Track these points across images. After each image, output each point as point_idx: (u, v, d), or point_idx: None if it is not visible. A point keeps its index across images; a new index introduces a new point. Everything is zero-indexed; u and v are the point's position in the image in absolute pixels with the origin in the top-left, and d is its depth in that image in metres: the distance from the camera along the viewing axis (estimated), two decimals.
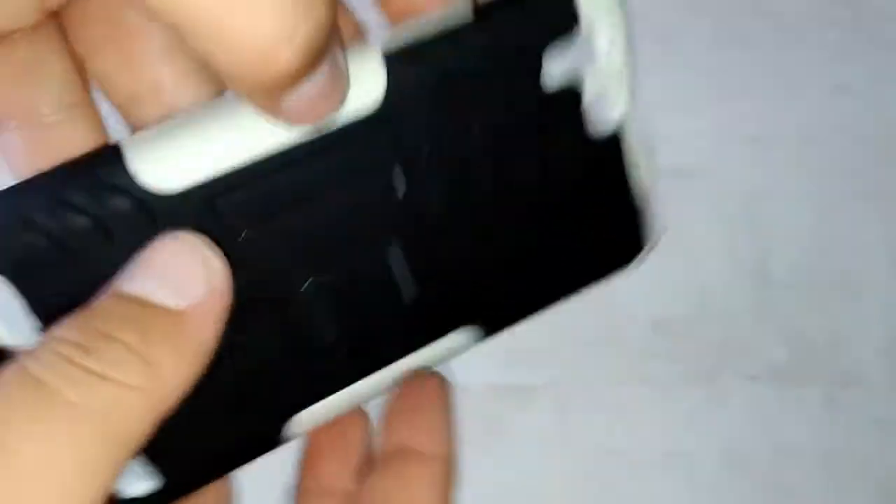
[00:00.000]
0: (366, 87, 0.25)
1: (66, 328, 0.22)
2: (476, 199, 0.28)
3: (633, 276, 0.64)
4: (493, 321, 0.31)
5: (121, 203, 0.24)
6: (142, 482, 0.26)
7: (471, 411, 0.65)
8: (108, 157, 0.23)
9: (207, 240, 0.24)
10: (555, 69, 0.27)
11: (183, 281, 0.24)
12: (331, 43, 0.21)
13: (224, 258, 0.24)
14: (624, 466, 0.64)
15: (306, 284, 0.27)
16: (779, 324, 0.65)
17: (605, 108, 0.28)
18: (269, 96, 0.21)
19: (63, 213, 0.23)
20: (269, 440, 0.28)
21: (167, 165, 0.24)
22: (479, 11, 0.26)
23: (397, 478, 0.31)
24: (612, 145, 0.29)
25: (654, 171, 0.30)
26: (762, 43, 0.68)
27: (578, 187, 0.29)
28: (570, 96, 0.27)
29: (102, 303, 0.23)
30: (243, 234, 0.25)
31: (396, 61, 0.25)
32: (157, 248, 0.24)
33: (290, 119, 0.22)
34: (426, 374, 0.32)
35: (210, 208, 0.24)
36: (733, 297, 0.65)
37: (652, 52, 0.64)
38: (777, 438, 0.64)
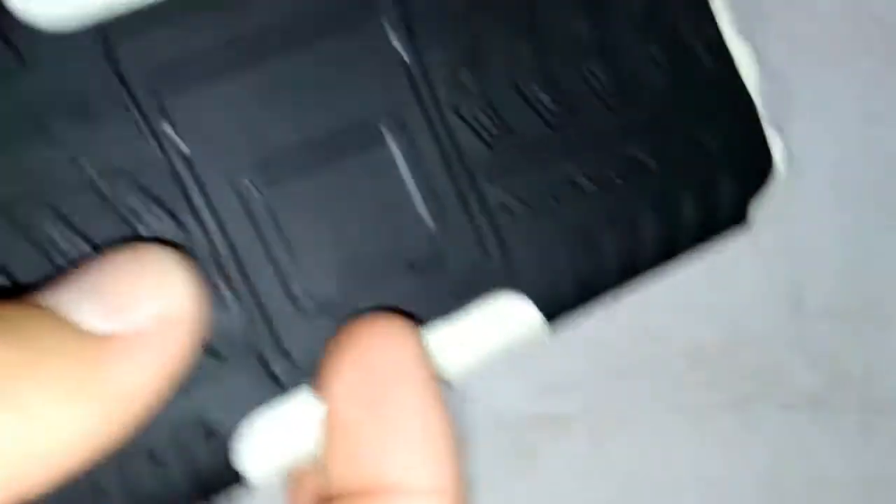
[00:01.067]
0: None
1: None
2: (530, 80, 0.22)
3: (666, 303, 0.64)
4: (554, 295, 0.22)
5: None
6: None
7: (504, 440, 0.65)
8: None
9: (176, 253, 0.18)
10: None
11: (121, 297, 0.17)
12: None
13: (194, 276, 0.18)
14: (657, 495, 0.64)
15: (244, 187, 0.20)
16: (813, 351, 0.65)
17: None
18: None
19: None
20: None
21: None
22: None
23: None
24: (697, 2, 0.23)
25: (753, 59, 0.25)
26: (795, 70, 0.69)
27: (653, 39, 0.23)
28: None
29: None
30: (158, 103, 0.19)
31: None
32: (102, 257, 0.18)
33: None
34: (383, 323, 0.20)
35: (108, 58, 0.19)
36: (767, 324, 0.65)
37: None
38: (812, 466, 0.64)
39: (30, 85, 0.19)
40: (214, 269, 0.20)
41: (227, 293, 0.20)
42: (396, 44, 0.21)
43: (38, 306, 0.17)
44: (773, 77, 0.69)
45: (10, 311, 0.16)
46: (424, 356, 0.20)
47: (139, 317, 0.17)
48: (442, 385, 0.21)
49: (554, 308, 0.23)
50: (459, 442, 0.20)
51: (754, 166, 0.25)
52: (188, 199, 0.20)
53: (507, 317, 0.22)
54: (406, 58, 0.21)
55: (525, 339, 0.23)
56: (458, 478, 0.20)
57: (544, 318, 0.23)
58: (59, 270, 0.19)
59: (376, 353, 0.19)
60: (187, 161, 0.20)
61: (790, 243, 0.66)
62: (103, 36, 0.19)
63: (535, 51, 0.22)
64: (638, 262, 0.23)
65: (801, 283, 0.66)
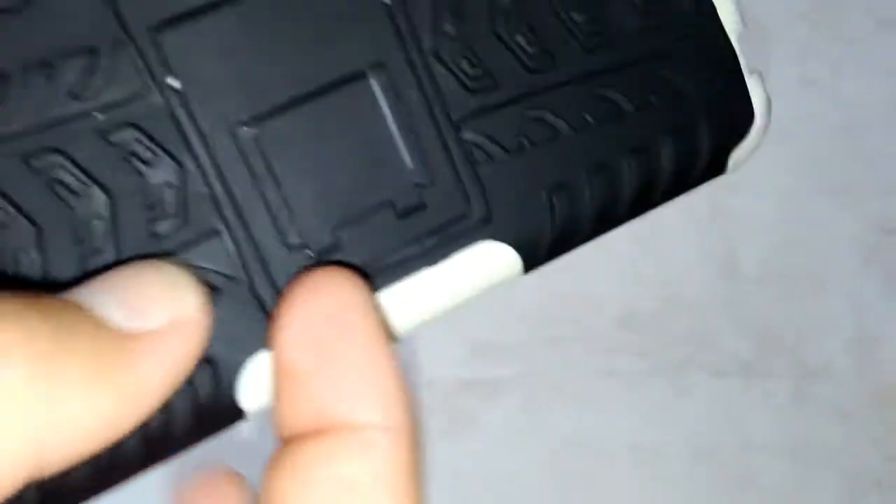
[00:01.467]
0: None
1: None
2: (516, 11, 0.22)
3: (601, 269, 0.64)
4: (534, 239, 0.23)
5: None
6: None
7: (438, 405, 0.64)
8: None
9: (186, 268, 0.20)
10: None
11: (142, 301, 0.19)
12: None
13: (202, 288, 0.20)
14: (591, 459, 0.64)
15: (240, 127, 0.21)
16: (746, 318, 0.65)
17: None
18: None
19: None
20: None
21: None
22: None
23: (328, 466, 0.20)
24: None
25: (732, 2, 0.25)
26: None
27: (666, 30, 0.23)
28: None
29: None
30: (149, 36, 0.20)
31: None
32: (128, 266, 0.19)
33: None
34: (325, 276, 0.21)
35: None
36: (700, 291, 0.65)
37: None
38: (744, 431, 0.64)
39: (32, 23, 0.19)
40: (212, 208, 0.21)
41: (224, 233, 0.21)
42: None
43: (74, 301, 0.18)
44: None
45: (51, 302, 0.18)
46: (371, 307, 0.21)
47: (156, 319, 0.19)
48: (391, 339, 0.22)
49: (531, 253, 0.23)
50: (408, 387, 0.21)
51: (734, 115, 0.25)
52: (185, 138, 0.20)
53: (486, 262, 0.22)
54: (390, 3, 0.21)
55: (502, 282, 0.23)
56: (409, 416, 0.21)
57: (522, 263, 0.23)
58: (60, 202, 0.19)
59: (324, 302, 0.20)
60: (183, 100, 0.20)
61: (725, 209, 0.66)
62: None
63: None
64: (615, 208, 0.23)
65: (735, 249, 0.66)
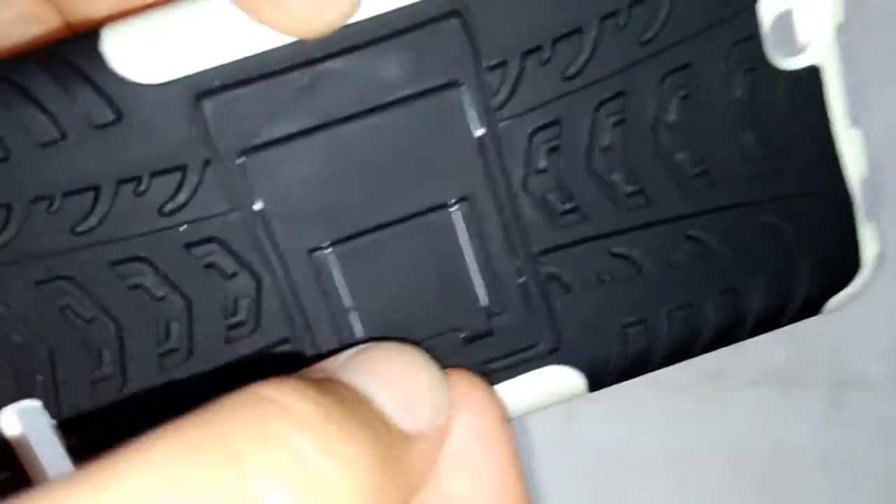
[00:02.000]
0: None
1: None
2: (591, 149, 0.21)
3: None
4: (602, 364, 0.23)
5: (88, 92, 0.19)
6: None
7: None
8: (79, 42, 0.19)
9: (435, 363, 0.19)
10: None
11: (413, 399, 0.19)
12: None
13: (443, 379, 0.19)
14: (626, 468, 0.64)
15: (325, 251, 0.20)
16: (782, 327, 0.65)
17: (795, 37, 0.21)
18: None
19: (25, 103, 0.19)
20: None
21: (147, 50, 0.19)
22: None
23: None
24: (805, 86, 0.21)
25: (863, 147, 0.23)
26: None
27: (755, 133, 0.21)
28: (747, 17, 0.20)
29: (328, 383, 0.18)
30: (237, 159, 0.20)
31: None
32: (380, 350, 0.19)
33: (277, 26, 0.18)
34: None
35: (196, 111, 0.19)
36: None
37: None
38: (779, 440, 0.64)
39: (125, 139, 0.19)
40: (284, 318, 0.21)
41: (293, 341, 0.21)
42: (473, 121, 0.20)
43: (349, 385, 0.18)
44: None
45: (332, 385, 0.18)
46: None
47: (427, 421, 0.19)
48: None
49: (598, 378, 0.24)
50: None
51: (839, 264, 0.24)
52: (263, 255, 0.20)
53: (549, 384, 0.23)
54: (482, 136, 0.20)
55: (564, 400, 0.24)
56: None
57: (587, 385, 0.24)
58: (141, 304, 0.20)
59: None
60: (264, 220, 0.20)
61: None
62: (194, 92, 0.19)
63: (619, 135, 0.21)
64: (693, 344, 0.23)
65: None
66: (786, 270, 0.23)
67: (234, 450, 0.16)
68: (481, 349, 0.22)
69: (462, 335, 0.21)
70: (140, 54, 0.19)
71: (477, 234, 0.21)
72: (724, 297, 0.23)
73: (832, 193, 0.22)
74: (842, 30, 0.22)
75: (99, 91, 0.19)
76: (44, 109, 0.19)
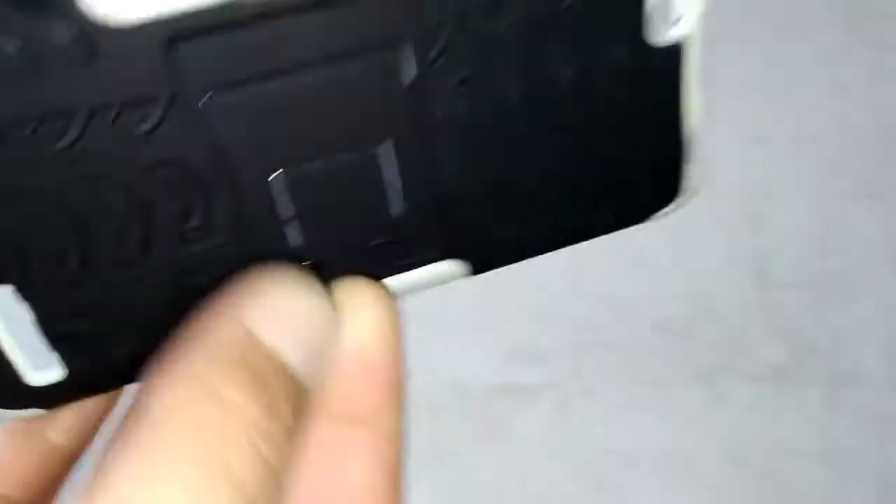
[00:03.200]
0: None
1: None
2: (493, 102, 0.24)
3: (633, 276, 0.64)
4: (485, 257, 0.27)
5: (56, 29, 0.20)
6: (46, 371, 0.24)
7: (470, 411, 0.65)
8: None
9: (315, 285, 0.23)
10: None
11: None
12: None
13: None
14: (624, 466, 0.64)
15: (274, 175, 0.23)
16: (779, 323, 0.65)
17: (673, 12, 0.24)
18: None
19: None
20: None
21: None
22: None
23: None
24: (669, 61, 0.25)
25: (705, 107, 0.26)
26: (761, 42, 0.69)
27: (616, 104, 0.25)
28: None
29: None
30: (205, 97, 0.22)
31: None
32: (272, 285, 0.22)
33: None
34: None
35: (169, 53, 0.21)
36: (733, 297, 0.65)
37: None
38: (777, 438, 0.64)
39: (96, 72, 0.21)
40: (232, 229, 0.24)
41: (239, 251, 0.24)
42: (408, 72, 0.23)
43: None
44: (741, 47, 0.69)
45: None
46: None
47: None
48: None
49: (481, 268, 0.27)
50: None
51: (665, 191, 0.27)
52: (219, 174, 0.23)
53: (439, 274, 0.26)
54: (412, 83, 0.23)
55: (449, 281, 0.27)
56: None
57: (472, 272, 0.27)
58: (110, 221, 0.23)
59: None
60: (222, 146, 0.23)
61: (755, 215, 0.66)
62: (167, 35, 0.21)
63: (524, 87, 0.24)
64: (558, 240, 0.27)
65: (766, 254, 0.66)
66: (625, 184, 0.27)
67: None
68: (389, 253, 0.25)
69: (376, 242, 0.25)
70: None
71: (399, 166, 0.24)
72: (577, 197, 0.27)
73: (668, 141, 0.26)
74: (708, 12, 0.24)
75: (70, 26, 0.20)
76: (15, 37, 0.20)
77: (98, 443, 0.21)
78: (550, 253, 0.27)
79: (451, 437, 0.63)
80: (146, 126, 0.22)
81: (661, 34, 0.24)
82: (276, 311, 0.21)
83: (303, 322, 0.22)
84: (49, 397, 0.24)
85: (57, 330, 0.23)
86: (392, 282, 0.26)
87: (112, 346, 0.25)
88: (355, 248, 0.25)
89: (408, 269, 0.26)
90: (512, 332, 0.64)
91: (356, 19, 0.22)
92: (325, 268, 0.24)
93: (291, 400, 0.20)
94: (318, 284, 0.23)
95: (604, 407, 0.64)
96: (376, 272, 0.25)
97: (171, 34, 0.21)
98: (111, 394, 0.26)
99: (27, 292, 0.23)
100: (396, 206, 0.25)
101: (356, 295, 0.25)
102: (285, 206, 0.24)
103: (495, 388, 0.64)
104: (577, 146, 0.25)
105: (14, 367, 0.23)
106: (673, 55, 0.25)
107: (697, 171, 0.27)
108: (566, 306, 0.64)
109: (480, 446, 0.64)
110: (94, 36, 0.20)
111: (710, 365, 0.65)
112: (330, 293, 0.24)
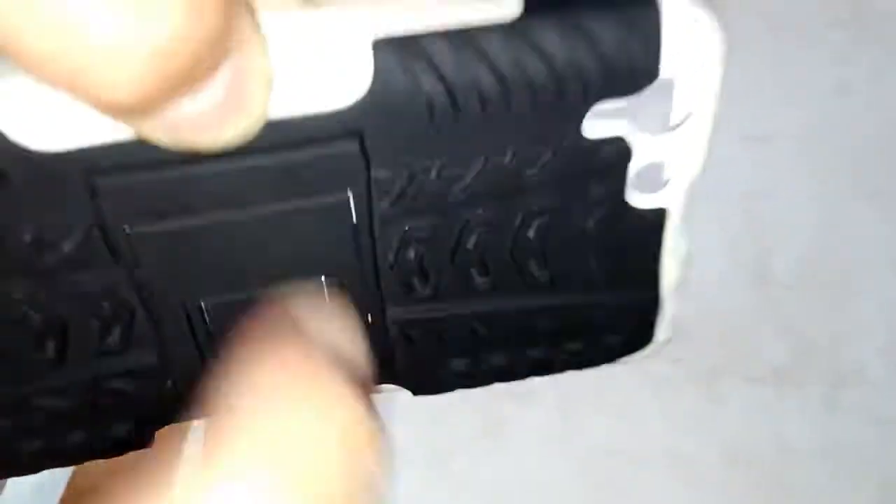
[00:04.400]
0: (340, 82, 0.20)
1: None
2: (461, 251, 0.23)
3: None
4: (429, 386, 0.27)
5: None
6: None
7: (471, 411, 0.65)
8: None
9: None
10: (602, 117, 0.21)
11: None
12: (219, 50, 0.17)
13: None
14: (624, 466, 0.64)
15: (192, 303, 0.23)
16: (779, 323, 0.65)
17: (656, 183, 0.23)
18: (128, 116, 0.17)
19: None
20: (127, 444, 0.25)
21: (40, 119, 0.19)
22: (532, 6, 0.20)
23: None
24: (653, 223, 0.24)
25: (685, 267, 0.26)
26: (764, 42, 0.69)
27: (596, 253, 0.24)
28: (617, 149, 0.22)
29: None
30: (126, 229, 0.21)
31: (389, 53, 0.20)
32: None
33: (169, 140, 0.18)
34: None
35: (86, 185, 0.20)
36: (734, 297, 0.65)
37: None
38: (777, 437, 0.64)
39: (14, 196, 0.20)
40: (150, 350, 0.24)
41: (156, 375, 0.24)
42: (355, 218, 0.22)
43: None
44: (742, 47, 0.69)
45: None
46: None
47: None
48: None
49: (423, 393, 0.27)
50: None
51: (636, 342, 0.28)
52: (140, 299, 0.23)
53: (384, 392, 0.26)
54: (359, 229, 0.22)
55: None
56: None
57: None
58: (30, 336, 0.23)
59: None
60: (143, 277, 0.22)
61: (757, 216, 0.66)
62: (85, 163, 0.20)
63: (482, 242, 0.24)
64: (513, 373, 0.27)
65: (768, 255, 0.66)
66: (597, 340, 0.27)
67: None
68: None
69: None
70: (34, 122, 0.20)
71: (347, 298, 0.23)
72: (540, 348, 0.27)
73: (645, 301, 0.27)
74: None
75: None
76: None
77: None
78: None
79: (452, 438, 0.63)
80: (66, 248, 0.22)
81: (642, 200, 0.24)
82: None
83: None
84: None
85: None
86: None
87: (23, 443, 0.24)
88: None
89: None
90: None
91: (283, 169, 0.21)
92: None
93: None
94: None
95: (604, 407, 0.64)
96: None
97: (90, 166, 0.20)
98: None
99: None
100: None
101: None
102: (204, 330, 0.24)
103: (497, 390, 0.64)
104: (541, 295, 0.25)
105: None
106: (653, 220, 0.24)
107: (667, 327, 0.27)
108: None
109: (481, 447, 0.64)
110: (19, 163, 0.20)
111: (710, 365, 0.65)
112: None
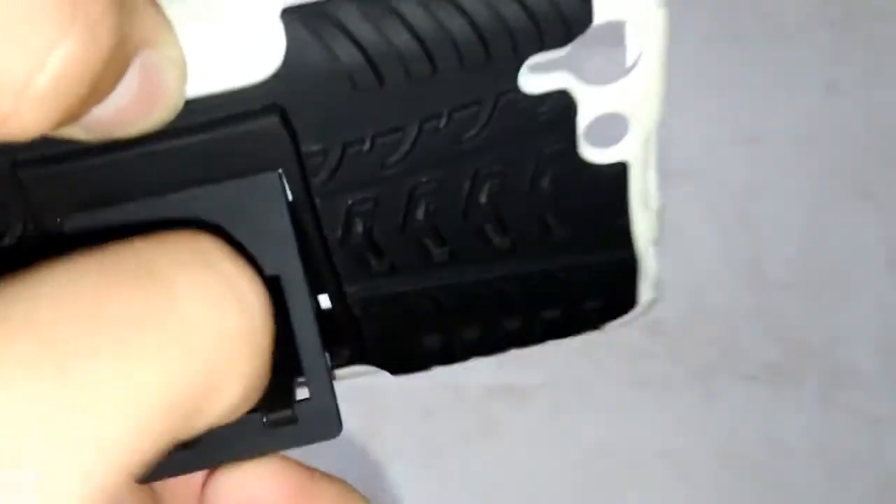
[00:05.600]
0: (253, 54, 0.19)
1: None
2: (391, 222, 0.23)
3: None
4: (405, 364, 0.26)
5: None
6: None
7: (465, 411, 0.65)
8: None
9: None
10: (539, 70, 0.21)
11: None
12: (121, 58, 0.16)
13: None
14: (619, 466, 0.64)
15: None
16: (774, 323, 0.65)
17: (611, 136, 0.23)
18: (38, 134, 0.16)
19: None
20: None
21: None
22: None
23: None
24: (613, 177, 0.23)
25: (660, 221, 0.25)
26: (755, 41, 0.69)
27: (559, 217, 0.24)
28: (561, 103, 0.21)
29: None
30: (57, 219, 0.21)
31: (298, 21, 0.19)
32: None
33: (88, 137, 0.18)
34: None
35: (12, 179, 0.20)
36: (728, 296, 0.65)
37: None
38: (772, 437, 0.64)
39: None
40: None
41: None
42: (289, 197, 0.21)
43: None
44: (734, 46, 0.69)
45: None
46: None
47: None
48: None
49: (399, 372, 0.26)
50: None
51: (618, 306, 0.27)
52: None
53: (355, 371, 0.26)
54: (296, 209, 0.22)
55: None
56: None
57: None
58: None
59: None
60: None
61: (751, 215, 0.66)
62: (10, 156, 0.20)
63: (432, 212, 0.23)
64: (489, 348, 0.26)
65: (761, 255, 0.66)
66: (575, 306, 0.26)
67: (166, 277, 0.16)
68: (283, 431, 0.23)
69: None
70: None
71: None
72: (516, 318, 0.26)
73: (620, 261, 0.25)
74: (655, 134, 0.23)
75: None
76: None
77: None
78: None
79: (447, 438, 0.63)
80: (7, 243, 0.21)
81: (597, 155, 0.23)
82: None
83: None
84: None
85: None
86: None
87: None
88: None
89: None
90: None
91: (206, 149, 0.20)
92: None
93: None
94: None
95: (598, 407, 0.64)
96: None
97: (15, 160, 0.20)
98: None
99: None
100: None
101: None
102: None
103: (490, 389, 0.64)
104: (504, 262, 0.24)
105: None
106: (612, 175, 0.23)
107: (650, 287, 0.26)
108: None
109: (476, 447, 0.64)
110: None
111: (704, 364, 0.65)
112: None
